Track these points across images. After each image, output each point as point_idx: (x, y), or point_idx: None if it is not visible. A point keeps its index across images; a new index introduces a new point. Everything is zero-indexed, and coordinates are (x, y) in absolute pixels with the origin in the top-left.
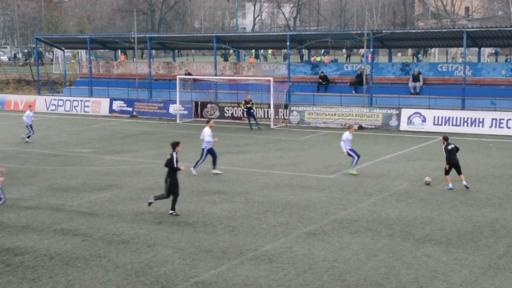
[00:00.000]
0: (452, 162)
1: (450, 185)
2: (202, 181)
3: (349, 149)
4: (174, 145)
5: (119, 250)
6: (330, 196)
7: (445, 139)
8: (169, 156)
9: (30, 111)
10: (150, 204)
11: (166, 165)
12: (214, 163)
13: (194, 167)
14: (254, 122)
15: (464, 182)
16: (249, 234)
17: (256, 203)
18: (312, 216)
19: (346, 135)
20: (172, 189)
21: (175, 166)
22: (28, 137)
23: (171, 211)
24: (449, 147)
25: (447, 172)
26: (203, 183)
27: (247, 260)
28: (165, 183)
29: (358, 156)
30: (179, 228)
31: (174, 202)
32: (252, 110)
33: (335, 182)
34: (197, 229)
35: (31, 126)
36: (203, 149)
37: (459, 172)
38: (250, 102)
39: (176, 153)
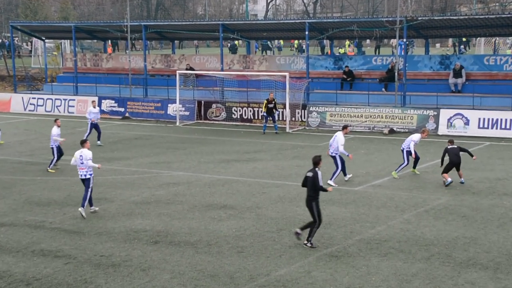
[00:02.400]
0: (454, 162)
1: (449, 180)
2: (206, 193)
3: (407, 151)
4: (318, 160)
5: (108, 275)
6: (355, 212)
7: (451, 142)
8: (310, 174)
9: (94, 107)
10: (298, 236)
11: (305, 185)
12: (343, 171)
13: (331, 179)
14: (272, 125)
15: (462, 179)
16: (260, 256)
17: (269, 219)
18: (335, 235)
19: (418, 137)
20: (319, 214)
21: (321, 186)
22: (90, 135)
23: (307, 242)
24: (450, 147)
25: (446, 170)
26: (207, 196)
27: (258, 286)
28: (310, 209)
29: (408, 163)
30: (179, 249)
31: (314, 231)
32: (277, 111)
33: (361, 195)
34: (200, 250)
35: (95, 125)
36: (334, 156)
37: (458, 169)
38: (273, 102)
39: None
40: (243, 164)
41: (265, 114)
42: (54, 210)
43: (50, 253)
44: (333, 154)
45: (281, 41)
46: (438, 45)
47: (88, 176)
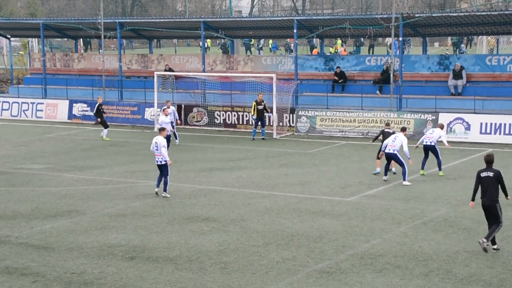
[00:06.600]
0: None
1: (378, 169)
2: (186, 205)
3: (434, 145)
4: (493, 158)
5: None
6: (348, 225)
7: (387, 124)
8: (490, 174)
9: (168, 107)
10: (492, 249)
11: (477, 187)
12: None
13: (405, 180)
14: (260, 131)
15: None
16: (245, 272)
17: (255, 233)
18: (326, 249)
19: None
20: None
21: (505, 185)
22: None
23: (492, 245)
24: (386, 130)
25: (379, 157)
26: (187, 208)
27: None
28: (495, 211)
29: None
30: (157, 265)
31: (496, 231)
32: (268, 113)
33: (354, 206)
34: (180, 266)
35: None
36: (394, 155)
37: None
38: (262, 103)
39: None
40: (227, 173)
41: (254, 117)
42: (21, 224)
43: (16, 271)
44: (394, 152)
45: (270, 40)
46: (436, 44)
47: (163, 162)
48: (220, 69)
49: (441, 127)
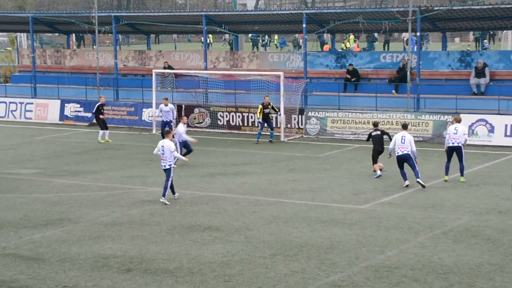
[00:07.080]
0: (378, 149)
1: (379, 173)
2: (187, 213)
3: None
4: None
5: None
6: (361, 234)
7: (374, 125)
8: None
9: (165, 105)
10: None
11: None
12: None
13: (419, 178)
14: (268, 133)
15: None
16: (251, 286)
17: (261, 243)
18: (338, 261)
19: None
20: None
21: None
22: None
23: None
24: (374, 133)
25: (374, 161)
26: (188, 216)
27: None
28: None
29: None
30: (155, 277)
31: None
32: (277, 113)
33: (368, 214)
34: (180, 278)
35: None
36: (408, 156)
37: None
38: (269, 106)
39: None
40: (231, 179)
41: (260, 120)
42: (8, 233)
43: (3, 284)
44: (408, 153)
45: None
46: (457, 39)
47: (168, 167)
48: (224, 67)
49: (459, 120)
